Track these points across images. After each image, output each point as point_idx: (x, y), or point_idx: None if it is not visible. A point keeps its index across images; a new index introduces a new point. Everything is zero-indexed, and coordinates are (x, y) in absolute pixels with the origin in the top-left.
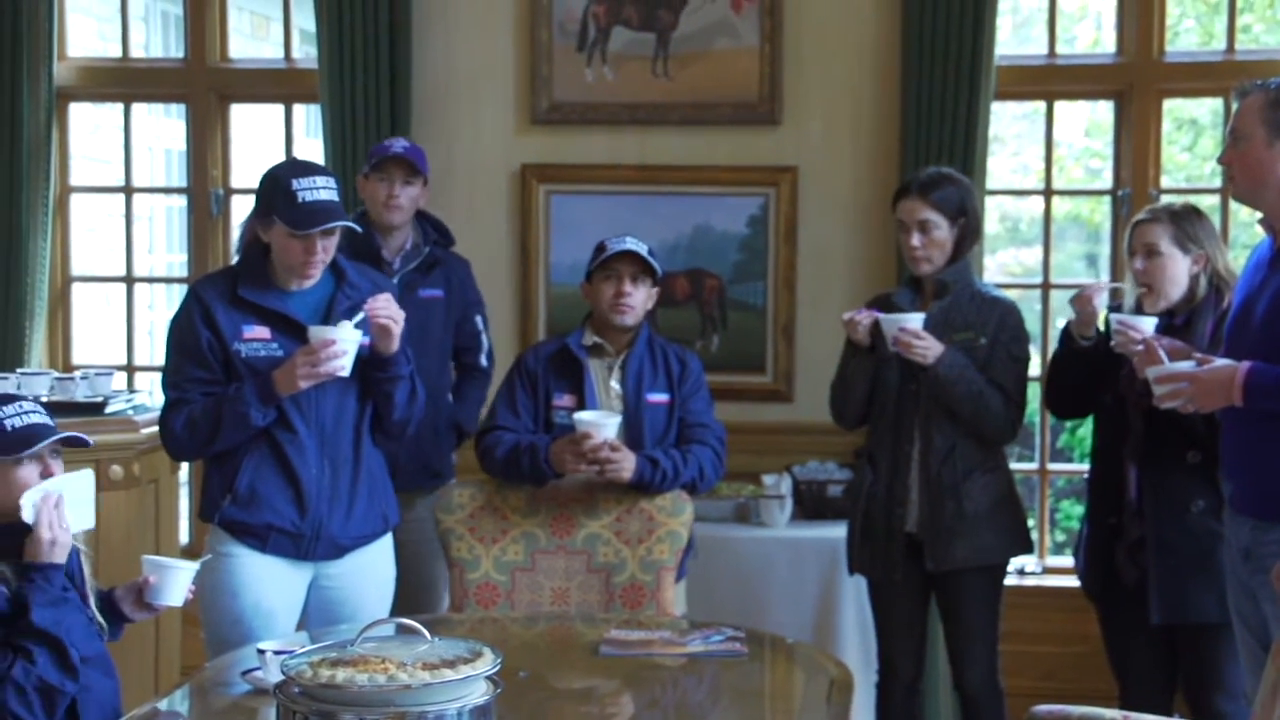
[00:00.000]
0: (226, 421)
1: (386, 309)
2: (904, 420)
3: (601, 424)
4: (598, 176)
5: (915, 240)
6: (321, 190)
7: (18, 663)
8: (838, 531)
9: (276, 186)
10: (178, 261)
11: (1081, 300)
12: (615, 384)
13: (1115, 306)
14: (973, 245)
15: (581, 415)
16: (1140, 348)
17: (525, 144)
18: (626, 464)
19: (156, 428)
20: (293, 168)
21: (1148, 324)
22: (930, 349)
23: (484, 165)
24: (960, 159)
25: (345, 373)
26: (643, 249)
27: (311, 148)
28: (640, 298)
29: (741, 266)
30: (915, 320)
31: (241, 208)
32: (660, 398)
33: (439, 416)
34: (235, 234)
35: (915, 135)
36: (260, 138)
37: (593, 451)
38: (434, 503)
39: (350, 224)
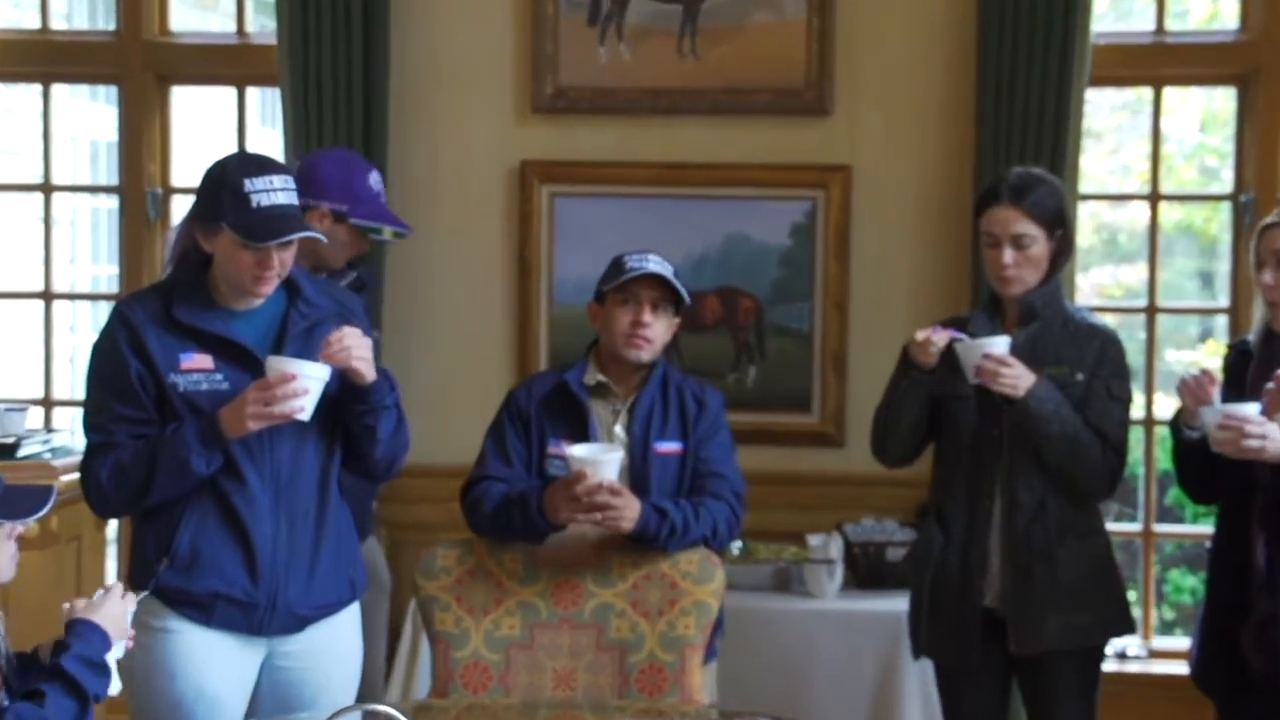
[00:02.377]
0: (163, 469)
1: (347, 349)
2: (982, 471)
3: (599, 460)
4: (612, 176)
5: (1008, 257)
6: (279, 192)
7: None
8: (899, 604)
9: (225, 186)
10: (105, 275)
11: (1187, 390)
12: (620, 430)
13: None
14: (1066, 262)
15: (575, 450)
16: (1257, 443)
17: (525, 137)
18: (628, 511)
19: (78, 475)
20: (244, 164)
21: (1252, 408)
22: (1020, 378)
23: (476, 162)
24: (1047, 157)
25: (305, 416)
26: (668, 271)
27: (268, 139)
28: (660, 329)
29: (783, 285)
30: (1000, 345)
31: (184, 211)
32: (671, 447)
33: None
34: (168, 242)
35: (994, 128)
36: (207, 127)
37: (588, 494)
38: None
39: (314, 233)
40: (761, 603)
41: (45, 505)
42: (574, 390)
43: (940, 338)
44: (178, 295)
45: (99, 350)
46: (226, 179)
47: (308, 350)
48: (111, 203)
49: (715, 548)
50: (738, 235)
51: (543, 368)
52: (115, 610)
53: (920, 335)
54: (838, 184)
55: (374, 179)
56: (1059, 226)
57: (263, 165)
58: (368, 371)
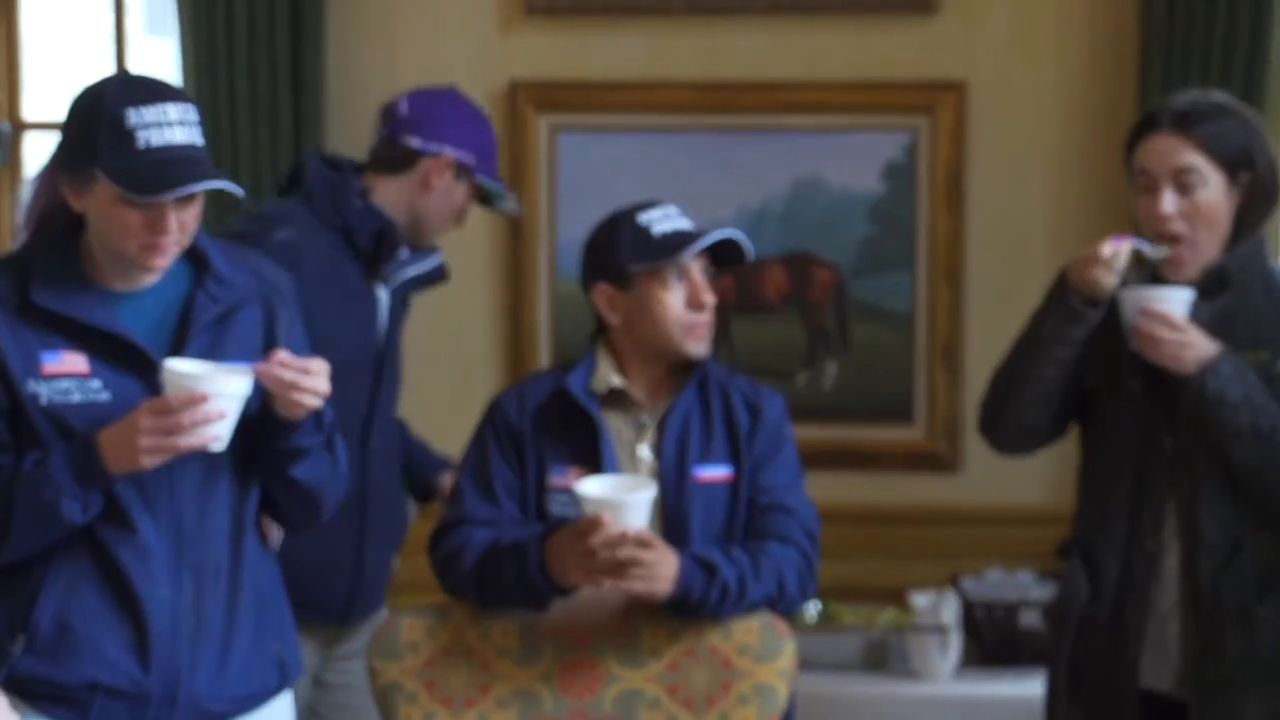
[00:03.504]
0: (20, 517)
1: (298, 384)
2: (1150, 496)
3: (622, 502)
4: (635, 101)
5: (1166, 204)
6: (176, 128)
7: None
8: (1039, 686)
9: (100, 120)
10: None
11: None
12: (646, 452)
13: None
14: (1267, 217)
15: (589, 488)
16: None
17: (516, 47)
18: (663, 568)
19: None
20: (127, 88)
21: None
22: (1190, 348)
23: (449, 77)
24: (1240, 81)
25: (221, 446)
26: (730, 233)
27: (157, 55)
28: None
29: (873, 248)
30: (1175, 300)
31: (42, 153)
32: (717, 473)
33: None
34: (22, 198)
35: (1164, 36)
36: (70, 39)
37: (608, 548)
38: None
39: (226, 185)
40: (847, 686)
41: None
42: (578, 400)
43: (1124, 247)
44: (37, 271)
45: None
46: (103, 110)
47: (220, 348)
48: None
49: (783, 611)
50: (810, 180)
51: (543, 365)
52: None
53: (1107, 250)
54: (948, 109)
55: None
56: (1245, 168)
57: (153, 90)
58: (309, 406)
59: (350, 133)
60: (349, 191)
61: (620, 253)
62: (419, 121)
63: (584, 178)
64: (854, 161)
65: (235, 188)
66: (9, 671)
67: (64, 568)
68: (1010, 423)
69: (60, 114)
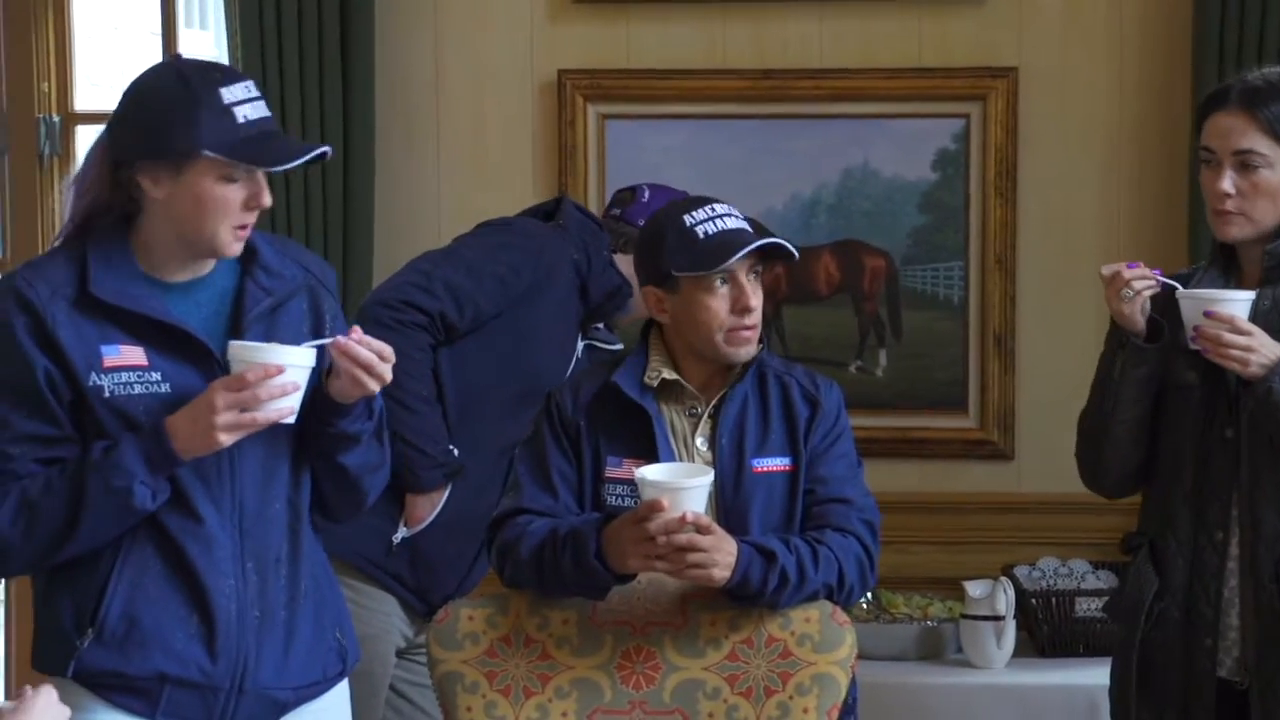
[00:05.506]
0: (91, 506)
1: (367, 353)
2: (1213, 489)
3: (680, 487)
4: (685, 90)
5: (1226, 183)
6: (259, 102)
7: None
8: (1098, 675)
9: (197, 101)
10: None
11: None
12: (702, 443)
13: None
14: None
15: (647, 473)
16: (1240, 351)
17: (564, 36)
18: (722, 554)
19: None
20: (206, 70)
21: (1245, 299)
22: (1258, 350)
23: (495, 72)
24: None
25: (293, 419)
26: (745, 223)
27: (198, 47)
28: (761, 308)
29: (925, 236)
30: (1237, 303)
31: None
32: (775, 464)
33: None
34: (65, 191)
35: (1216, 20)
36: (116, 33)
37: (667, 533)
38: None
39: (325, 150)
40: (902, 676)
41: None
42: (629, 394)
43: (1136, 275)
44: (96, 263)
45: None
46: (193, 90)
47: (273, 339)
48: None
49: (842, 601)
50: (861, 168)
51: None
52: (49, 715)
53: (1106, 270)
54: (1001, 95)
55: None
56: None
57: (227, 70)
58: (370, 390)
59: (398, 125)
60: (600, 244)
61: (665, 257)
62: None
63: (634, 167)
64: (905, 149)
65: (330, 150)
66: (77, 664)
67: (129, 561)
68: (1115, 468)
69: (106, 105)
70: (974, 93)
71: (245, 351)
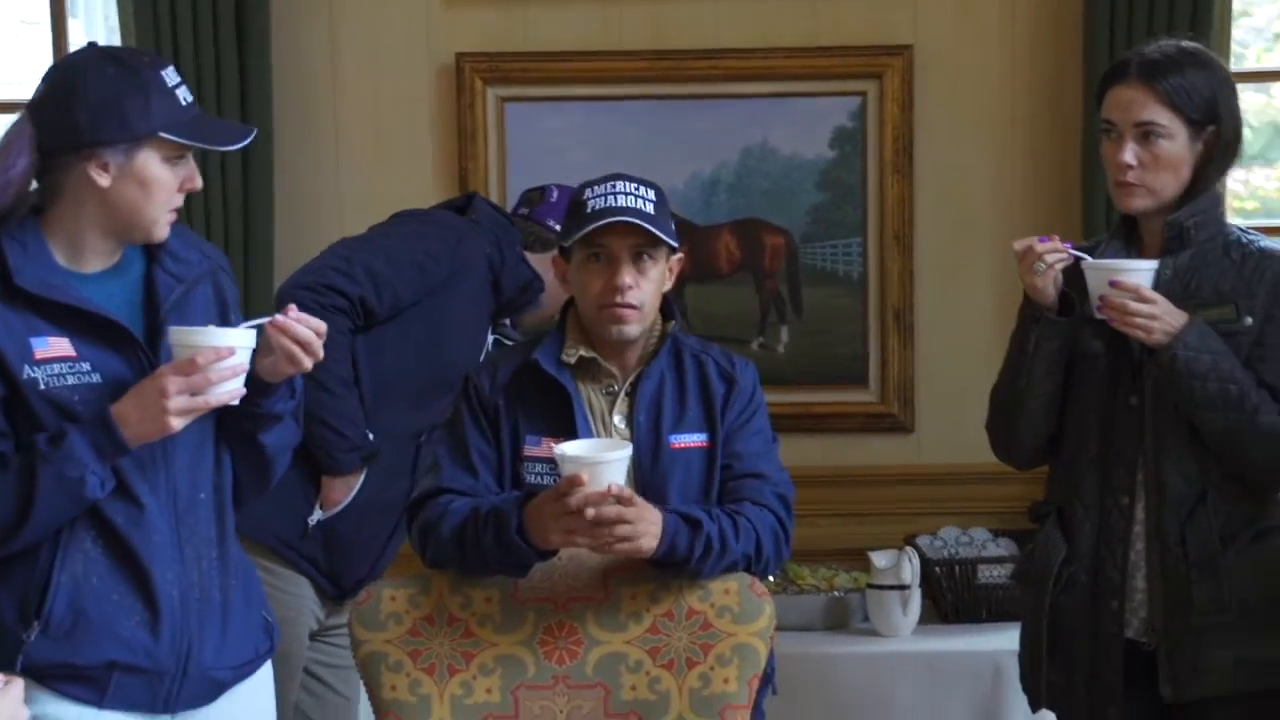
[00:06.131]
0: (44, 496)
1: (305, 331)
2: (1118, 454)
3: (599, 461)
4: (584, 72)
5: (1128, 154)
6: (187, 86)
7: None
8: (1002, 640)
9: (149, 86)
10: None
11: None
12: (620, 420)
13: None
14: (1226, 170)
15: (567, 448)
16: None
17: (461, 20)
18: (646, 524)
19: None
20: (141, 56)
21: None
22: (1162, 317)
23: (392, 56)
24: (1184, 30)
25: (236, 400)
26: (648, 205)
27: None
28: (649, 290)
29: (824, 214)
30: (1139, 272)
31: None
32: (692, 440)
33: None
34: None
35: (1107, 2)
36: (9, 20)
37: (588, 505)
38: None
39: (254, 131)
40: (811, 645)
41: None
42: (548, 371)
43: (1048, 249)
44: (13, 254)
45: None
46: (138, 74)
47: (186, 323)
48: None
49: (759, 573)
50: (760, 147)
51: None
52: (9, 708)
53: (1020, 244)
54: (896, 73)
55: None
56: (1210, 120)
57: (153, 55)
58: (304, 367)
59: (295, 112)
60: (512, 239)
61: (563, 227)
62: (563, 211)
63: (533, 149)
64: (803, 128)
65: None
66: (25, 659)
67: (69, 553)
68: (1027, 441)
69: (15, 94)
70: (870, 71)
71: (188, 336)
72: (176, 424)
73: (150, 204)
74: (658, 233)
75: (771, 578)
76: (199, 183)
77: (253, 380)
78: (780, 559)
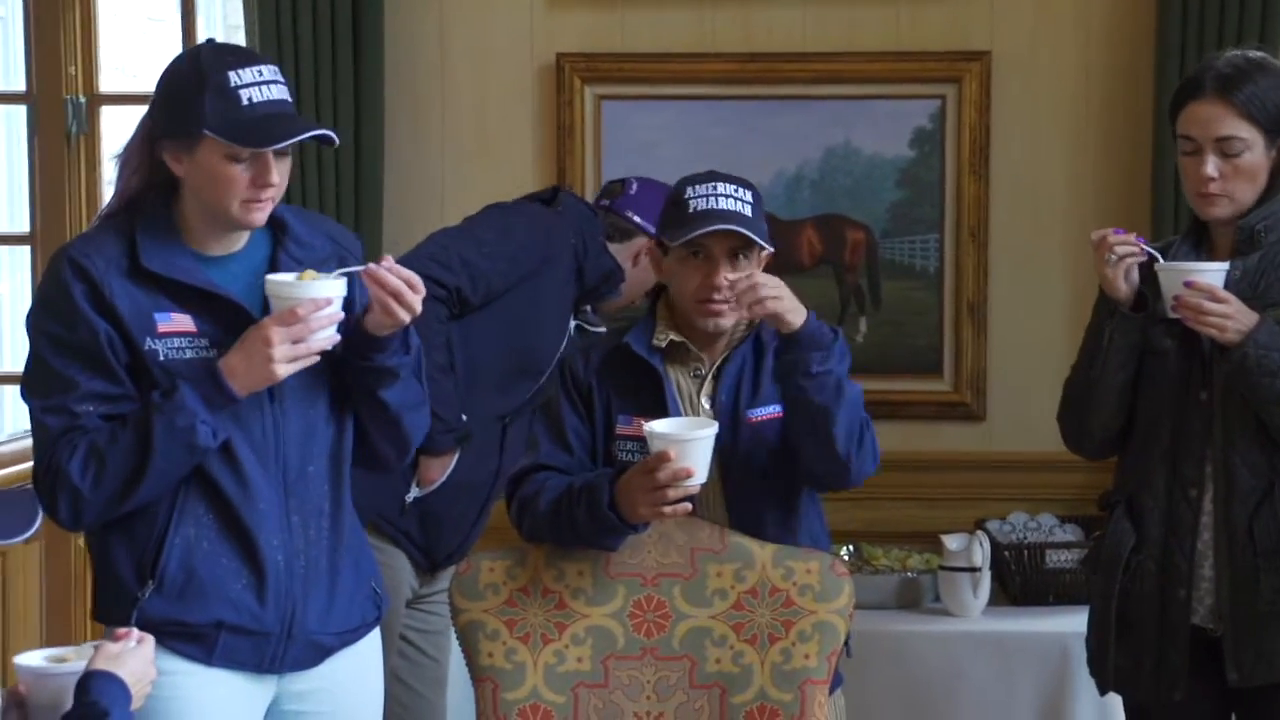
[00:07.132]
0: (158, 446)
1: (397, 281)
2: (1188, 447)
3: (687, 439)
4: (675, 73)
5: (1210, 168)
6: (272, 85)
7: None
8: (1069, 623)
9: (205, 84)
10: (10, 208)
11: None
12: (706, 401)
13: None
14: None
15: (656, 426)
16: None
17: (562, 22)
18: (795, 300)
19: (30, 471)
20: (223, 53)
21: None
22: (1233, 318)
23: (497, 55)
24: (1254, 38)
25: (331, 345)
26: (746, 208)
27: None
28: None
29: (903, 211)
30: (1211, 273)
31: (116, 124)
32: (767, 412)
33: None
34: (109, 167)
35: (1179, 4)
36: (138, 17)
37: (674, 481)
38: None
39: (326, 132)
40: (883, 624)
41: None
42: (640, 354)
43: (1120, 240)
44: (143, 237)
45: (51, 311)
46: (204, 75)
47: None
48: (19, 112)
49: (856, 461)
50: (842, 147)
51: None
52: (140, 665)
53: (1096, 235)
54: (974, 77)
55: None
56: None
57: (245, 54)
58: (400, 319)
59: (405, 108)
60: (596, 230)
61: (663, 222)
62: (642, 203)
63: (628, 146)
64: (884, 128)
65: (332, 134)
66: (140, 615)
67: (184, 515)
68: (1098, 432)
69: (140, 84)
70: (949, 75)
71: (284, 288)
72: (282, 371)
73: (221, 196)
74: (755, 237)
75: (847, 556)
76: (274, 179)
77: (363, 336)
78: (876, 457)
